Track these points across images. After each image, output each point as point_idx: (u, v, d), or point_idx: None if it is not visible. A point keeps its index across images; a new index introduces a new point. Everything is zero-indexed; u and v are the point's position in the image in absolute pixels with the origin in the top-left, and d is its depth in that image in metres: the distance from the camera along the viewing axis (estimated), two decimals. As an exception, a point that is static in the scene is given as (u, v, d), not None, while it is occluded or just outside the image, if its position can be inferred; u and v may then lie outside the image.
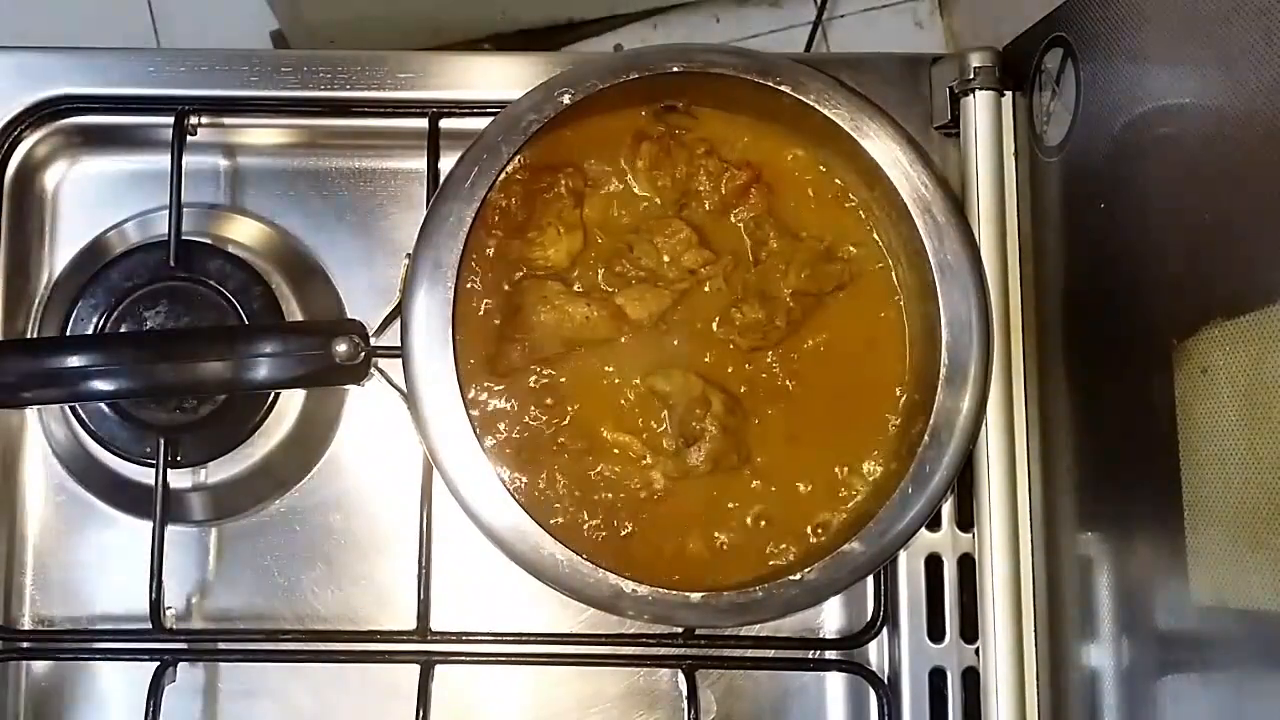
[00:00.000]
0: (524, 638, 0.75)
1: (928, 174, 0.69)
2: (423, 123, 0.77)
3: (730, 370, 0.72)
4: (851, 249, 0.73)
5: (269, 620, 0.76)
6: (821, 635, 0.77)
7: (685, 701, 0.73)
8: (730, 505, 0.70)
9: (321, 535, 0.77)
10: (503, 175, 0.68)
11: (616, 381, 0.71)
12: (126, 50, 0.80)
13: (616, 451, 0.70)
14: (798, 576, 0.66)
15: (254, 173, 0.80)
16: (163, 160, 0.76)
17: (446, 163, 0.73)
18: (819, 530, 0.70)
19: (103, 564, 0.77)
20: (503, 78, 0.79)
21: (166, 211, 0.75)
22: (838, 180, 0.74)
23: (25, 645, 0.76)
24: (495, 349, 0.70)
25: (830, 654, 0.76)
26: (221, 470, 0.76)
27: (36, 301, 0.79)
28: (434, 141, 0.76)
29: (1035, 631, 0.71)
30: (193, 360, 0.68)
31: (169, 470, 0.74)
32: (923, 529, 0.70)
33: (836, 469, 0.71)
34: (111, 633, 0.75)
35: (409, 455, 0.75)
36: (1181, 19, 0.60)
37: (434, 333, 0.66)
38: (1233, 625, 0.56)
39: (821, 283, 0.72)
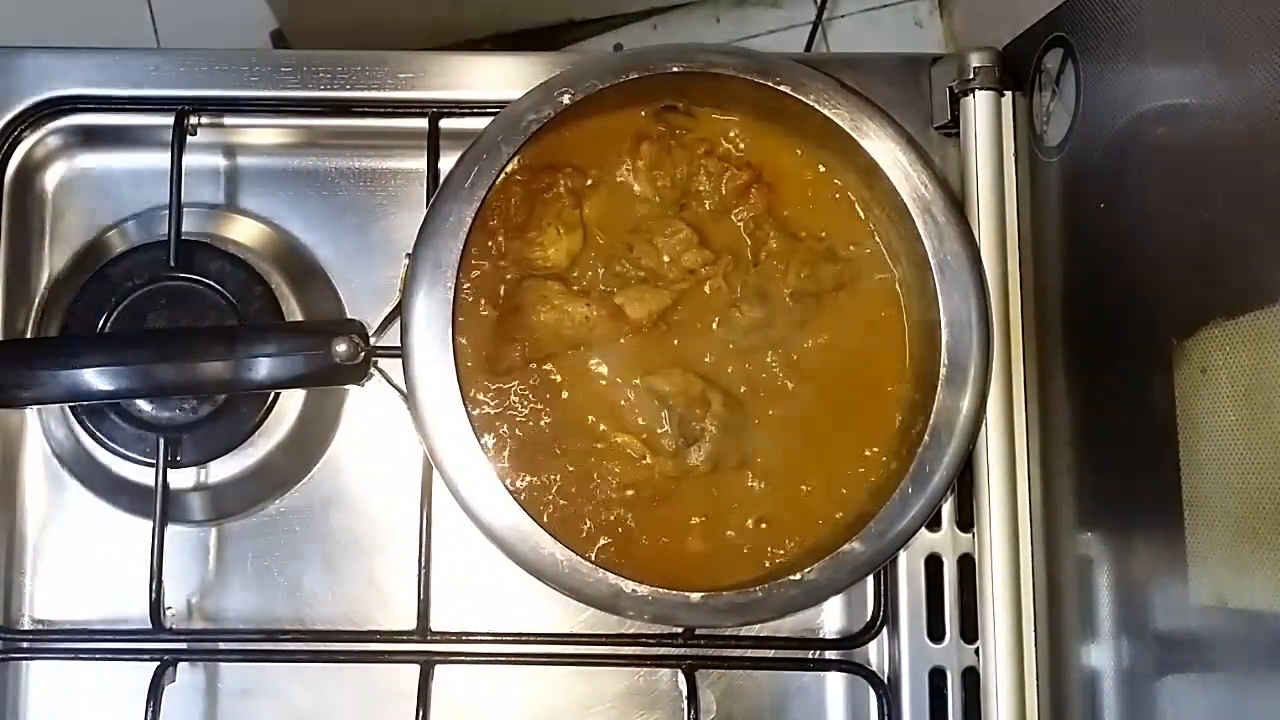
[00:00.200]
0: (524, 638, 0.75)
1: (928, 174, 0.69)
2: (423, 123, 0.77)
3: (730, 370, 0.72)
4: (851, 249, 0.73)
5: (269, 620, 0.76)
6: (821, 635, 0.77)
7: (685, 701, 0.73)
8: (730, 505, 0.70)
9: (321, 535, 0.77)
10: (503, 175, 0.68)
11: (616, 381, 0.71)
12: (126, 50, 0.80)
13: (616, 451, 0.70)
14: (797, 576, 0.66)
15: (254, 173, 0.80)
16: (163, 160, 0.76)
17: (446, 163, 0.73)
18: (818, 530, 0.70)
19: (103, 564, 0.76)
20: (503, 78, 0.79)
21: (166, 211, 0.75)
22: (838, 180, 0.74)
23: (25, 645, 0.75)
24: (495, 349, 0.70)
25: (830, 654, 0.76)
26: (221, 470, 0.76)
27: (36, 301, 0.78)
28: (434, 141, 0.76)
29: (1035, 631, 0.71)
30: (193, 360, 0.68)
31: (169, 470, 0.74)
32: (923, 529, 0.70)
33: (836, 469, 0.71)
34: (111, 633, 0.75)
35: (409, 455, 0.74)
36: (1181, 19, 0.60)
37: (434, 333, 0.66)
38: (1233, 625, 0.56)
39: (821, 283, 0.72)
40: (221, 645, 0.75)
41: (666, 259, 0.72)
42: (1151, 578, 0.63)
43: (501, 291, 0.71)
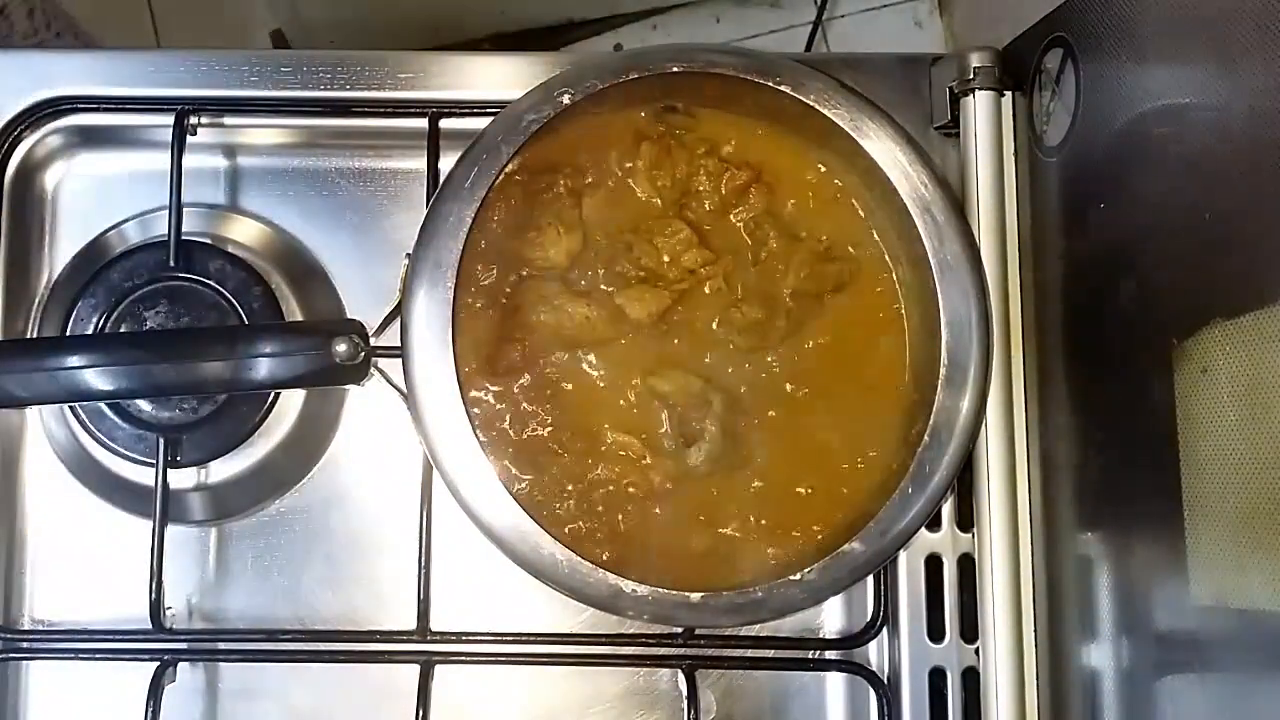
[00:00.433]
0: (524, 638, 0.75)
1: (927, 174, 0.69)
2: (423, 123, 0.77)
3: (730, 370, 0.72)
4: (851, 249, 0.73)
5: (269, 620, 0.76)
6: (821, 635, 0.77)
7: (685, 701, 0.73)
8: (730, 505, 0.70)
9: (321, 535, 0.77)
10: (502, 175, 0.68)
11: (616, 382, 0.71)
12: (126, 50, 0.80)
13: (616, 452, 0.70)
14: (797, 576, 0.66)
15: (254, 173, 0.80)
16: (163, 160, 0.76)
17: (446, 163, 0.73)
18: (819, 530, 0.70)
19: (103, 564, 0.76)
20: (503, 78, 0.79)
21: (166, 211, 0.75)
22: (837, 180, 0.74)
23: (25, 645, 0.75)
24: (495, 349, 0.70)
25: (830, 654, 0.76)
26: (221, 470, 0.76)
27: (36, 301, 0.79)
28: (434, 141, 0.76)
29: (1035, 631, 0.71)
30: (193, 360, 0.68)
31: (169, 470, 0.74)
32: (923, 529, 0.70)
33: (836, 469, 0.71)
34: (111, 633, 0.75)
35: (409, 455, 0.75)
36: (1181, 19, 0.60)
37: (434, 333, 0.66)
38: (1233, 625, 0.56)
39: (821, 283, 0.72)
40: (221, 645, 0.75)
41: (666, 259, 0.72)
42: (1151, 578, 0.63)
43: (501, 291, 0.71)
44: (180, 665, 0.74)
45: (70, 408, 0.75)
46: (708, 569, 0.69)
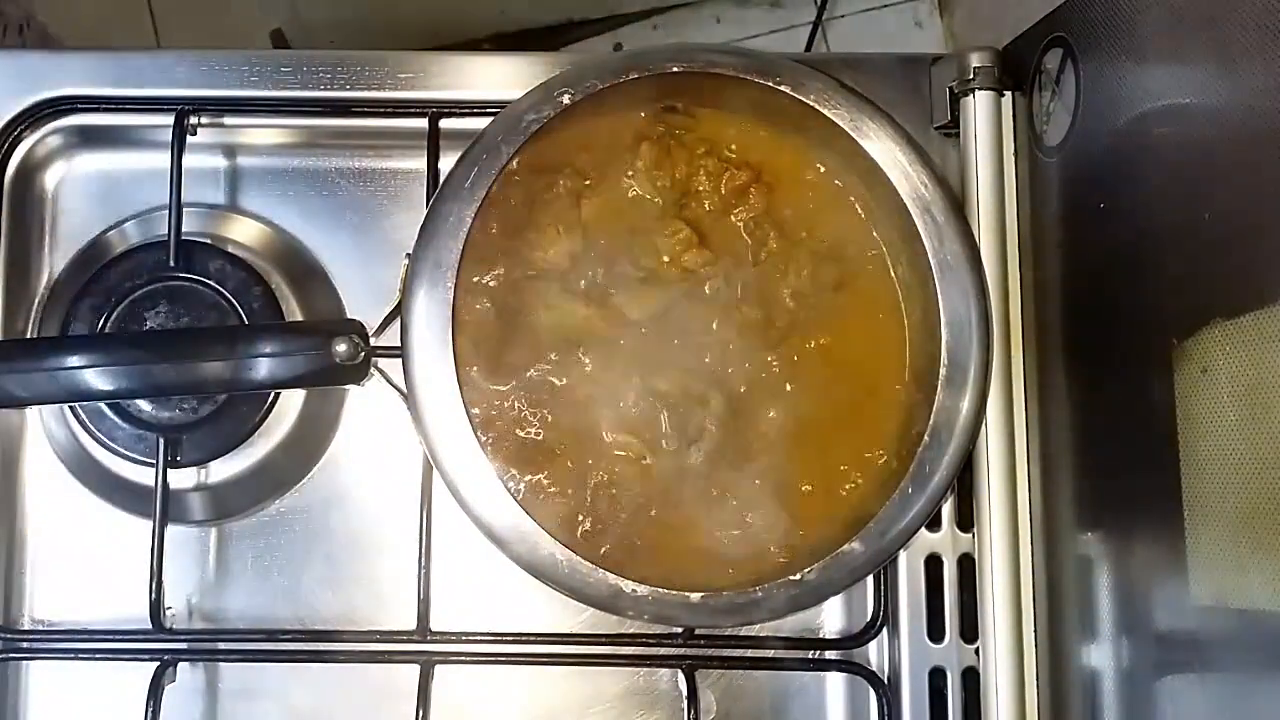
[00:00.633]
0: (524, 638, 0.74)
1: (927, 174, 0.69)
2: (423, 123, 0.77)
3: (730, 370, 0.71)
4: (851, 249, 0.73)
5: (269, 620, 0.76)
6: (821, 635, 0.77)
7: (685, 701, 0.73)
8: (730, 505, 0.70)
9: (321, 535, 0.77)
10: (502, 175, 0.68)
11: (616, 382, 0.71)
12: (126, 50, 0.80)
13: (616, 451, 0.70)
14: (797, 576, 0.66)
15: (254, 173, 0.80)
16: (163, 160, 0.76)
17: (446, 163, 0.73)
18: (818, 530, 0.70)
19: (103, 564, 0.76)
20: (503, 78, 0.79)
21: (166, 211, 0.75)
22: (838, 180, 0.73)
23: (25, 645, 0.75)
24: (495, 349, 0.70)
25: (830, 654, 0.76)
26: (221, 470, 0.76)
27: (36, 301, 0.79)
28: (434, 141, 0.76)
29: (1035, 631, 0.71)
30: (193, 360, 0.68)
31: (169, 470, 0.74)
32: (923, 529, 0.70)
33: (836, 469, 0.71)
34: (111, 633, 0.75)
35: (409, 455, 0.74)
36: (1182, 19, 0.60)
37: (434, 333, 0.66)
38: (1233, 625, 0.56)
39: (821, 283, 0.72)
40: (221, 645, 0.75)
41: (666, 259, 0.72)
42: (1151, 577, 0.63)
43: (501, 292, 0.71)
44: (180, 665, 0.74)
45: (70, 408, 0.75)
46: (707, 568, 0.69)
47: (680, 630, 0.74)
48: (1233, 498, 0.55)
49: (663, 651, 0.75)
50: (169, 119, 0.76)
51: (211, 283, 0.75)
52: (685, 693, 0.73)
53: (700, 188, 0.73)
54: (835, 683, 0.77)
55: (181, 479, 0.76)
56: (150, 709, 0.71)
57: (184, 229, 0.75)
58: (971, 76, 0.74)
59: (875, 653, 0.76)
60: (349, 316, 0.78)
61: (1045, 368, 0.72)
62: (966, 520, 0.75)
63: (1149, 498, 0.62)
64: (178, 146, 0.75)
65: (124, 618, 0.75)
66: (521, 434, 0.70)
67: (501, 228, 0.71)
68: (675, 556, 0.69)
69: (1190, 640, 0.60)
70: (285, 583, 0.77)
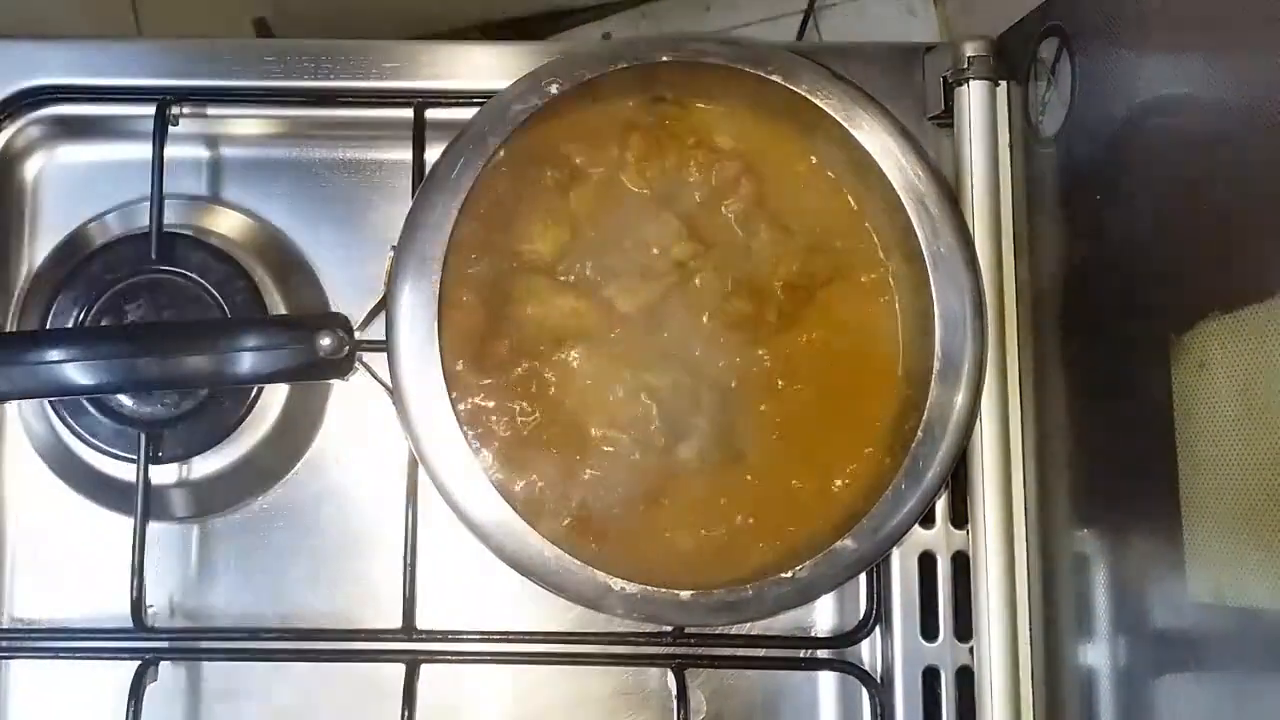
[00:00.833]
0: (511, 636, 0.74)
1: (921, 165, 0.68)
2: (408, 113, 0.76)
3: (721, 364, 0.71)
4: (843, 241, 0.73)
5: (252, 619, 0.76)
6: (813, 634, 0.77)
7: (675, 701, 0.72)
8: (721, 501, 0.70)
9: (306, 532, 0.77)
10: (489, 166, 0.67)
11: (605, 376, 0.70)
12: (107, 39, 0.80)
13: (605, 447, 0.70)
14: (789, 574, 0.65)
15: (237, 164, 0.80)
16: (144, 151, 0.75)
17: (432, 153, 0.72)
18: (810, 527, 0.69)
19: (83, 561, 0.76)
20: (489, 67, 0.78)
21: (148, 203, 0.75)
22: (829, 171, 0.73)
23: (4, 644, 0.75)
24: (482, 343, 0.69)
25: (822, 653, 0.76)
26: (204, 466, 0.76)
27: (15, 294, 0.78)
28: (419, 132, 0.76)
29: (1030, 630, 0.71)
30: (175, 354, 0.67)
31: (150, 466, 0.73)
32: (916, 526, 0.69)
33: (828, 464, 0.70)
34: (92, 631, 0.74)
35: (394, 451, 0.74)
36: (1178, 9, 0.60)
37: (419, 326, 0.65)
38: (1230, 623, 0.56)
39: (813, 275, 0.72)
40: (204, 644, 0.75)
41: (656, 251, 0.71)
42: (1148, 575, 0.62)
43: (488, 284, 0.70)
44: (162, 664, 0.74)
45: (50, 403, 0.75)
46: (698, 566, 0.68)
47: (670, 629, 0.73)
48: (1231, 493, 0.55)
49: (652, 650, 0.74)
50: (150, 109, 0.75)
51: (194, 275, 0.75)
52: (675, 692, 0.72)
53: (690, 179, 0.73)
54: (827, 682, 0.77)
55: (163, 475, 0.75)
56: (132, 708, 0.70)
57: (166, 221, 0.75)
58: (966, 66, 0.74)
59: (868, 651, 0.76)
60: (333, 310, 0.77)
61: (1040, 362, 0.72)
62: (960, 517, 0.74)
63: (1146, 494, 0.62)
64: (159, 137, 0.75)
65: (105, 616, 0.74)
66: (509, 429, 0.69)
67: (488, 219, 0.70)
68: (665, 553, 0.69)
69: (1188, 638, 0.60)
70: (269, 580, 0.76)
